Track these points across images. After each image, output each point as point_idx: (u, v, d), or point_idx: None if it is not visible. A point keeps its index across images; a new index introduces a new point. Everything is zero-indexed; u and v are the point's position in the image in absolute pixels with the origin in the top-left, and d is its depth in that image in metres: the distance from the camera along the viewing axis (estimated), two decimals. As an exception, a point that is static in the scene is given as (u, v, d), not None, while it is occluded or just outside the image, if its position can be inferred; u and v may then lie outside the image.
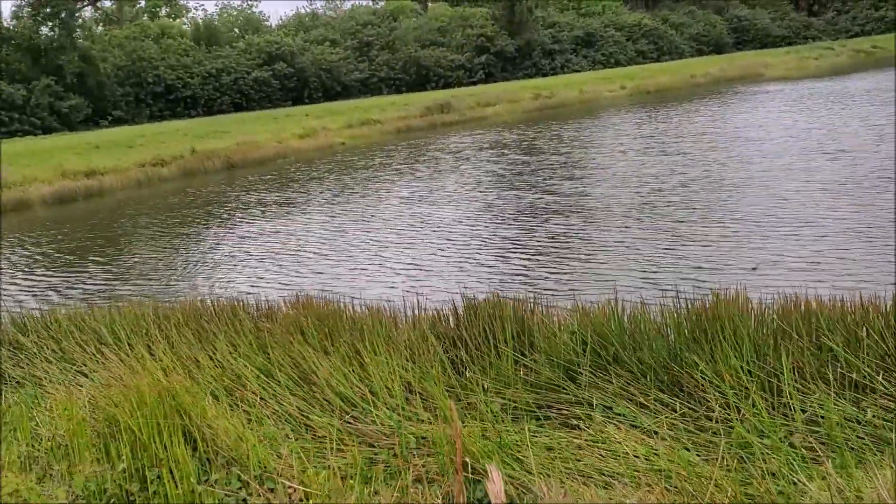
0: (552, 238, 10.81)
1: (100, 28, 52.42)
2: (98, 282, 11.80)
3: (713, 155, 16.77)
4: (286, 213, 16.46)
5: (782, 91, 35.31)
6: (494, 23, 60.85)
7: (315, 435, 4.12)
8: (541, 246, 10.45)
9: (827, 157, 14.28)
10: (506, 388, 4.25)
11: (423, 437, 3.98)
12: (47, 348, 5.96)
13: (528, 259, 9.90)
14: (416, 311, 5.46)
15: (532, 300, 5.07)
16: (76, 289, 11.36)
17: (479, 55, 58.22)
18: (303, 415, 4.30)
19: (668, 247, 9.37)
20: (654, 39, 71.85)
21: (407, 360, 4.57)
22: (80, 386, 4.93)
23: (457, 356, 4.56)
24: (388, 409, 4.21)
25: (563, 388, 4.10)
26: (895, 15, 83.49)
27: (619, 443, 3.50)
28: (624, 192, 13.69)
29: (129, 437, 3.87)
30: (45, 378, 5.49)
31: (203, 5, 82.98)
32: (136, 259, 13.56)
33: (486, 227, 12.37)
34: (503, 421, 3.88)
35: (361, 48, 55.74)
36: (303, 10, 62.87)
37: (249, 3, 61.54)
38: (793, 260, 8.21)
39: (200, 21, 56.54)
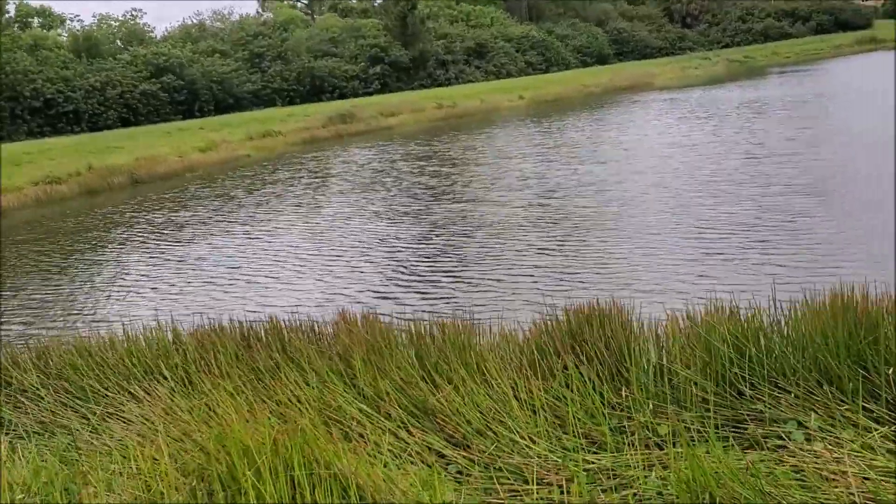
0: (544, 250, 10.39)
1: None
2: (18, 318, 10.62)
3: (652, 161, 16.86)
4: (211, 232, 15.38)
5: (677, 100, 36.37)
6: (387, 34, 60.50)
7: (460, 474, 3.56)
8: (536, 259, 10.01)
9: (772, 160, 14.57)
10: (659, 405, 3.81)
11: (586, 469, 3.49)
12: (53, 388, 5.09)
13: (529, 273, 9.49)
14: (494, 328, 4.95)
15: (636, 308, 4.66)
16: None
17: (374, 65, 57.67)
18: (432, 450, 3.72)
19: (693, 256, 9.02)
20: (542, 51, 73.27)
21: (526, 381, 4.06)
22: (134, 433, 4.15)
23: (586, 373, 4.08)
24: (532, 438, 3.69)
25: (731, 403, 3.70)
26: (762, 27, 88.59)
27: (836, 463, 3.12)
28: (587, 200, 13.32)
29: (250, 497, 3.19)
30: (66, 424, 4.65)
31: (79, 16, 78.85)
32: (54, 290, 12.31)
33: (459, 241, 11.83)
34: (691, 445, 3.43)
35: (252, 59, 54.17)
36: (189, 22, 60.64)
37: (133, 13, 58.85)
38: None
39: (79, 32, 53.48)
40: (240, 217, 16.73)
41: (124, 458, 3.98)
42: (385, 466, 3.44)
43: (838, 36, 79.86)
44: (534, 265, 9.56)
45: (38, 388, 5.13)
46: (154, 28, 59.70)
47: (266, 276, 11.06)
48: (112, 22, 57.49)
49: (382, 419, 3.98)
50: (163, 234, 15.90)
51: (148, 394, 4.74)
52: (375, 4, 74.19)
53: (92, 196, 23.88)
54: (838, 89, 31.50)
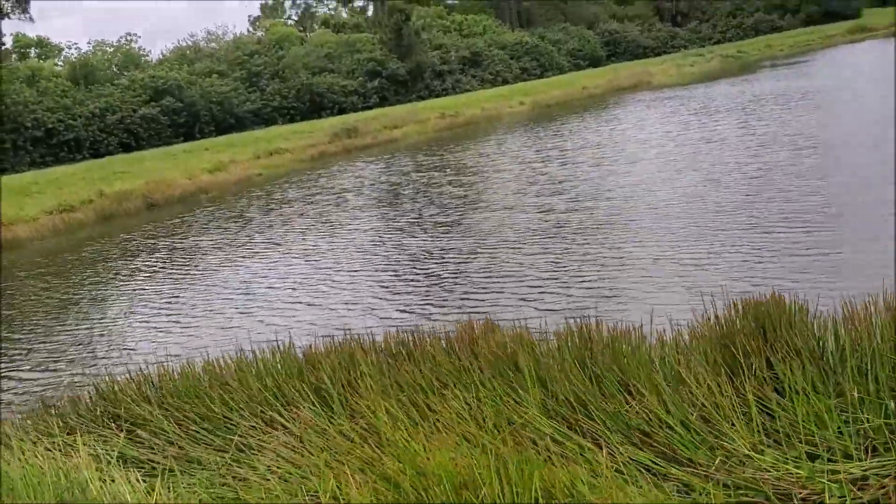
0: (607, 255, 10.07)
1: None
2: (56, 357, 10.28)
3: (690, 159, 16.48)
4: (243, 256, 14.93)
5: (682, 96, 36.02)
6: (382, 47, 60.34)
7: (683, 492, 3.24)
8: (604, 263, 9.68)
9: (824, 150, 14.28)
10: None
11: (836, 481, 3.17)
12: (175, 419, 4.75)
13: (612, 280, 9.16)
14: (642, 328, 4.63)
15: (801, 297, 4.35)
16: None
17: (372, 80, 57.48)
18: (652, 468, 3.40)
19: (799, 249, 8.64)
20: (536, 56, 73.22)
21: (725, 384, 3.74)
22: (288, 462, 3.81)
23: (791, 372, 3.76)
24: (755, 447, 3.37)
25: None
26: (752, 21, 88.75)
27: None
28: (643, 201, 12.80)
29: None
30: (200, 457, 4.31)
31: (76, 44, 78.63)
32: (100, 324, 11.97)
33: (521, 249, 11.45)
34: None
35: (250, 78, 53.91)
36: (184, 43, 60.41)
37: (128, 38, 58.64)
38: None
39: (75, 60, 53.15)
40: (269, 238, 16.32)
41: (292, 493, 3.66)
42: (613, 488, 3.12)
43: (830, 27, 79.93)
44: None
45: (156, 420, 4.79)
46: (149, 52, 59.46)
47: (318, 298, 10.66)
48: (107, 48, 57.28)
49: (572, 434, 3.66)
50: (193, 259, 15.53)
51: (285, 418, 4.41)
52: (367, 16, 74.12)
53: (108, 222, 23.53)
54: (850, 77, 31.28)
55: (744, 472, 3.22)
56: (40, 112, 43.73)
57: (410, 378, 4.41)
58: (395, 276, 11.17)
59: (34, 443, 4.80)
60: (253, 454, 4.23)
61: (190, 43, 60.82)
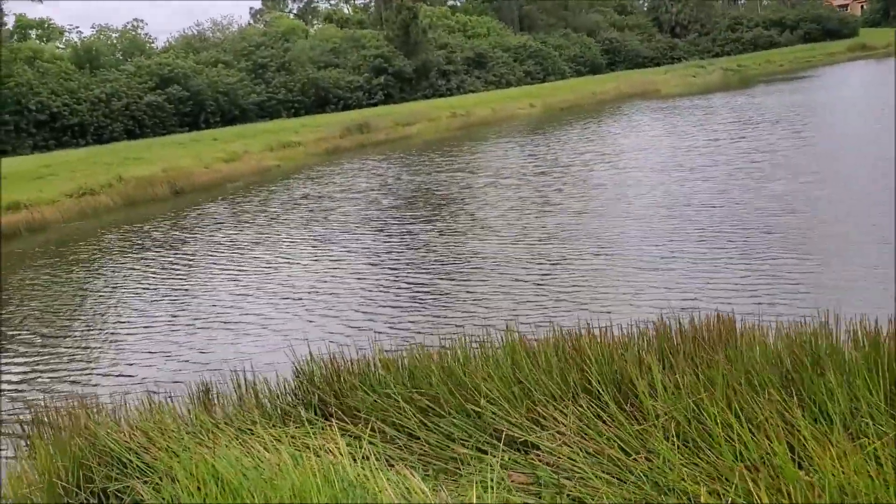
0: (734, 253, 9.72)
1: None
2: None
3: (763, 166, 16.06)
4: (300, 251, 14.28)
5: (702, 106, 35.88)
6: (389, 43, 59.89)
7: None
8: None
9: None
10: None
11: None
12: (404, 410, 4.30)
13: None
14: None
15: None
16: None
17: (378, 76, 56.99)
18: None
19: None
20: (540, 60, 73.07)
21: None
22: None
23: None
24: None
25: None
26: (751, 36, 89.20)
27: None
28: (746, 207, 12.38)
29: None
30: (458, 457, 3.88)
31: (77, 27, 77.48)
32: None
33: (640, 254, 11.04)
34: None
35: (256, 70, 53.21)
36: (189, 32, 59.53)
37: (134, 23, 57.69)
38: None
39: (78, 43, 52.23)
40: (317, 235, 15.60)
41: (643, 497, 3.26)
42: None
43: (831, 44, 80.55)
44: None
45: (384, 410, 4.35)
46: (155, 39, 58.40)
47: (410, 302, 10.11)
48: (111, 33, 56.36)
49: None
50: (242, 253, 14.87)
51: (563, 414, 4.00)
52: (370, 13, 73.69)
53: (133, 207, 22.91)
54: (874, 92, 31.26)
55: None
56: (45, 95, 42.80)
57: (693, 378, 4.02)
58: (483, 279, 10.65)
59: (251, 432, 4.37)
60: (527, 451, 3.82)
61: (196, 32, 60.09)
